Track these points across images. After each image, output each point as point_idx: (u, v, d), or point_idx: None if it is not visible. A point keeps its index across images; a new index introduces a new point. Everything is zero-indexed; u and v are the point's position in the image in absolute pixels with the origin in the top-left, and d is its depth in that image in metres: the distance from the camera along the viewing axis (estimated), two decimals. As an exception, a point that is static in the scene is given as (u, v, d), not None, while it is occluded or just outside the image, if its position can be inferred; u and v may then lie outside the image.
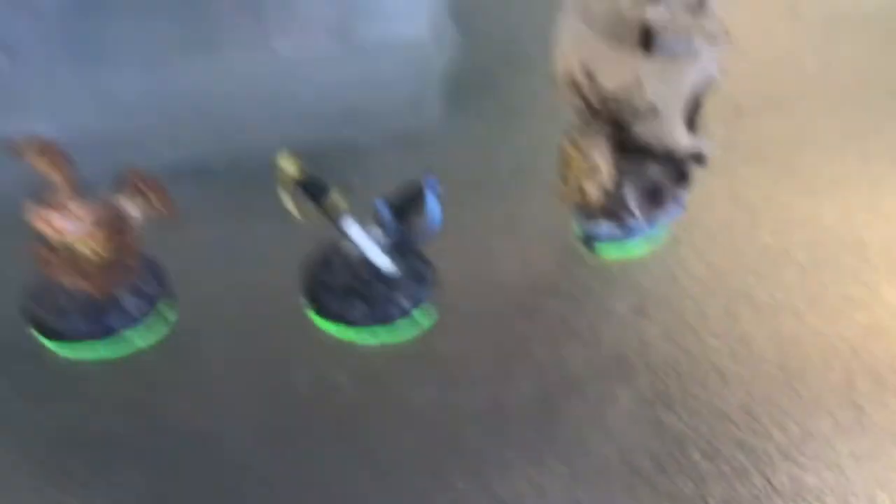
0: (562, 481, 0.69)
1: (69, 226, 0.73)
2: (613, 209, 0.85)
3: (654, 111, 0.77)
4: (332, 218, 0.78)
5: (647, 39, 0.77)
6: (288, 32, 1.29)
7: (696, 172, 0.88)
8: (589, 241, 0.88)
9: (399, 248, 0.81)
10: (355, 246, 0.80)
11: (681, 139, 0.80)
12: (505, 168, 1.00)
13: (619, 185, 0.83)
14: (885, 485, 0.69)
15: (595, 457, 0.71)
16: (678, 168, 0.85)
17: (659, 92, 0.76)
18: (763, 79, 1.15)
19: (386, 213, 0.79)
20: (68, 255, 0.75)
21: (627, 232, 0.87)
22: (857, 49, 1.22)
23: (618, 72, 0.77)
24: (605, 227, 0.86)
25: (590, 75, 0.78)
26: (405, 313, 0.79)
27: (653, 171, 0.84)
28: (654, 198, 0.85)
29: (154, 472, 0.69)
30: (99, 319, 0.76)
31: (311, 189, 0.77)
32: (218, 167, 0.98)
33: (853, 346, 0.80)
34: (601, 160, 0.79)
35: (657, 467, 0.70)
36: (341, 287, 0.80)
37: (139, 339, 0.78)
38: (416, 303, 0.80)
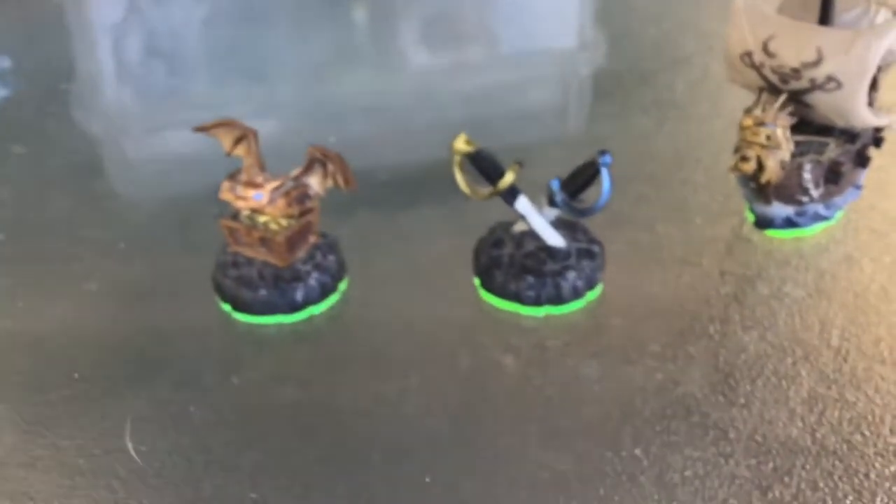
0: (746, 459, 0.67)
1: (253, 194, 0.77)
2: (789, 190, 0.83)
3: (836, 83, 0.75)
4: (505, 195, 0.80)
5: (826, 11, 0.76)
6: (440, 42, 1.34)
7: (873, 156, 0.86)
8: (762, 223, 0.86)
9: (571, 226, 0.82)
10: (527, 223, 0.81)
11: (865, 115, 0.78)
12: (670, 158, 0.99)
13: (796, 165, 0.81)
14: None
15: (781, 437, 0.69)
16: (857, 149, 0.83)
17: (841, 64, 0.75)
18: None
19: (559, 192, 0.79)
20: (252, 227, 0.79)
21: (802, 214, 0.85)
22: None
23: (798, 46, 0.76)
24: (779, 209, 0.85)
25: (769, 52, 0.78)
26: (576, 290, 0.80)
27: (831, 151, 0.82)
28: (832, 179, 0.83)
29: (333, 437, 0.71)
30: (285, 294, 0.79)
31: (484, 165, 0.79)
32: (383, 167, 1.01)
33: None
34: (783, 136, 0.77)
35: (847, 444, 0.68)
36: (513, 264, 0.81)
37: (316, 307, 0.81)
38: (587, 280, 0.80)
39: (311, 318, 0.80)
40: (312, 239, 0.82)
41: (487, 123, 1.08)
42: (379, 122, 1.12)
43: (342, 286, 0.83)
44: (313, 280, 0.80)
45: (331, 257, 0.82)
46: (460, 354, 0.77)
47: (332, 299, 0.82)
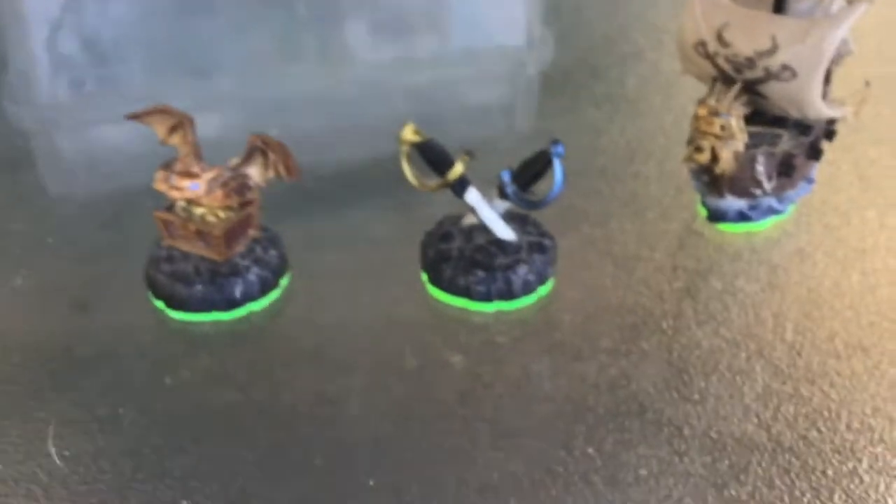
0: (701, 456, 0.65)
1: (188, 184, 0.73)
2: (742, 183, 0.82)
3: (791, 72, 0.74)
4: (454, 187, 0.77)
5: (781, 0, 0.75)
6: (390, 38, 1.31)
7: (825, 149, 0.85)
8: (715, 217, 0.84)
9: (522, 219, 0.80)
10: (477, 216, 0.78)
11: (819, 105, 0.76)
12: (621, 152, 0.97)
13: (750, 156, 0.80)
14: None
15: (736, 434, 0.67)
16: (810, 141, 0.82)
17: (796, 53, 0.74)
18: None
19: (510, 183, 0.77)
20: (188, 219, 0.75)
21: (755, 208, 0.84)
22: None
23: (753, 35, 0.75)
24: (732, 202, 0.83)
25: (723, 41, 0.76)
26: (528, 285, 0.77)
27: (784, 143, 0.81)
28: (785, 171, 0.82)
29: (272, 440, 0.67)
30: (223, 290, 0.76)
31: (433, 155, 0.76)
32: (329, 161, 0.98)
33: None
34: (737, 126, 0.76)
35: (803, 441, 0.66)
36: (462, 259, 0.78)
37: (255, 304, 0.77)
38: (538, 275, 0.78)
39: (250, 316, 0.77)
40: (252, 232, 0.78)
41: (436, 118, 1.05)
42: (324, 116, 1.09)
43: (284, 282, 0.79)
44: (253, 275, 0.77)
45: (272, 252, 0.79)
46: (407, 352, 0.74)
47: (273, 296, 0.78)
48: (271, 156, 0.76)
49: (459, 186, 0.77)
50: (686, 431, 0.67)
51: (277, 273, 0.79)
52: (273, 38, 1.30)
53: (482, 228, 0.79)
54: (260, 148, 0.76)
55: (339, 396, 0.70)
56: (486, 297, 0.77)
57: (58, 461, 0.64)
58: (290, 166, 0.75)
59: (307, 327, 0.76)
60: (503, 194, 0.78)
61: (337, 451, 0.66)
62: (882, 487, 0.63)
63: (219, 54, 1.25)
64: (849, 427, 0.67)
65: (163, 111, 0.74)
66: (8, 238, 0.86)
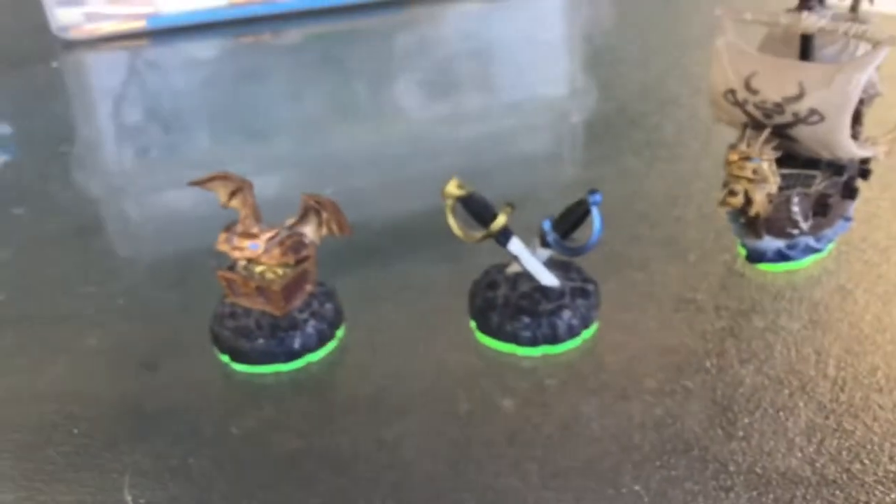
0: (746, 492, 0.67)
1: (249, 244, 0.78)
2: (779, 223, 0.84)
3: (819, 116, 0.76)
4: (498, 237, 0.81)
5: (806, 47, 0.78)
6: (438, 95, 1.36)
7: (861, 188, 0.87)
8: (754, 257, 0.87)
9: (565, 266, 0.83)
10: (521, 265, 0.82)
11: (849, 146, 0.79)
12: (661, 197, 1.00)
13: (785, 199, 0.82)
14: None
15: (780, 468, 0.69)
16: (844, 181, 0.84)
17: (823, 98, 0.76)
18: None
19: (551, 231, 0.80)
20: (249, 277, 0.80)
21: (794, 247, 0.86)
22: None
23: (780, 81, 0.77)
24: (770, 242, 0.85)
25: (752, 89, 0.79)
26: (572, 329, 0.80)
27: (818, 183, 0.83)
28: (821, 211, 0.84)
29: (333, 484, 0.71)
30: (283, 343, 0.80)
31: (476, 208, 0.80)
32: (380, 216, 1.02)
33: None
34: (769, 169, 0.78)
35: (847, 474, 0.67)
36: (508, 305, 0.81)
37: (313, 355, 0.81)
38: (583, 319, 0.81)
39: (308, 366, 0.81)
40: (309, 287, 0.82)
41: (481, 170, 1.09)
42: (375, 173, 1.14)
43: (339, 333, 0.83)
44: (310, 328, 0.81)
45: (328, 305, 0.83)
46: (458, 397, 0.77)
47: (330, 346, 0.82)
48: (324, 214, 0.80)
49: (503, 237, 0.80)
50: (731, 467, 0.69)
51: (333, 325, 0.83)
52: (326, 100, 1.36)
53: (527, 276, 0.82)
54: (313, 207, 0.80)
55: (396, 441, 0.73)
56: (533, 342, 0.80)
57: (134, 509, 0.69)
58: (342, 223, 0.80)
59: (363, 375, 0.80)
60: (545, 242, 0.81)
61: (395, 493, 0.69)
62: (927, 517, 0.64)
63: (274, 118, 1.31)
64: (892, 459, 0.68)
65: (224, 177, 0.80)
66: (81, 300, 0.92)
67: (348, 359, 0.82)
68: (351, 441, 0.74)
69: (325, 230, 0.81)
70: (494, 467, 0.70)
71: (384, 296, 0.89)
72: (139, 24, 1.51)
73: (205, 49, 1.52)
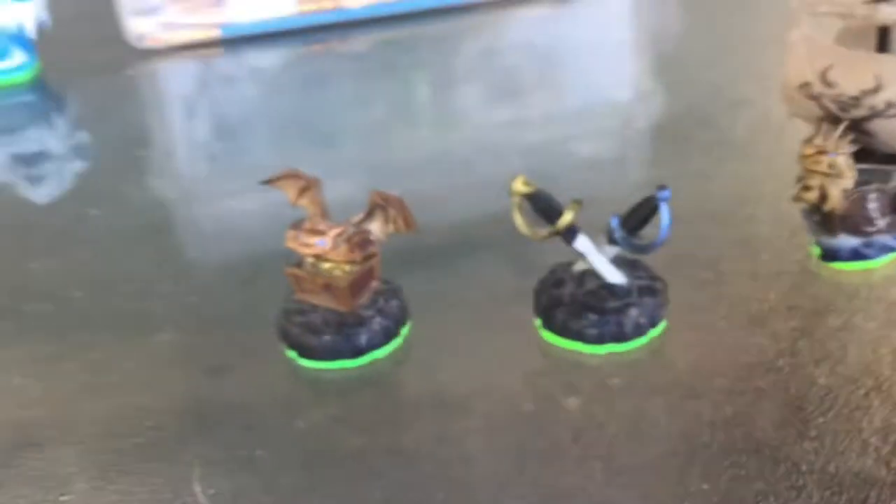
0: (819, 491, 0.65)
1: (316, 241, 0.79)
2: (854, 221, 0.82)
3: (896, 110, 0.75)
4: (564, 235, 0.80)
5: (883, 39, 0.76)
6: (504, 100, 1.36)
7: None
8: (828, 256, 0.85)
9: (632, 264, 0.82)
10: (587, 262, 0.81)
11: (928, 140, 0.77)
12: (731, 196, 0.99)
13: (861, 195, 0.80)
14: None
15: (854, 468, 0.67)
16: (923, 177, 0.82)
17: (901, 90, 0.74)
18: None
19: (618, 229, 0.80)
20: (316, 273, 0.81)
21: (870, 245, 0.83)
22: None
23: (857, 74, 0.76)
24: (845, 240, 0.83)
25: (828, 82, 0.77)
26: (639, 327, 0.79)
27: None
28: (898, 208, 0.82)
29: (397, 479, 0.71)
30: (349, 339, 0.80)
31: (543, 205, 0.80)
32: (446, 217, 1.02)
33: None
34: (845, 163, 0.77)
35: (927, 476, 0.65)
36: (574, 303, 0.80)
37: (379, 352, 0.81)
38: (650, 317, 0.80)
39: (374, 363, 0.81)
40: (375, 284, 0.83)
41: (548, 173, 1.08)
42: (441, 176, 1.14)
43: (405, 330, 0.84)
44: (376, 325, 0.81)
45: (393, 302, 0.83)
46: (523, 394, 0.77)
47: (395, 343, 0.82)
48: (391, 211, 0.81)
49: (569, 234, 0.80)
50: (804, 467, 0.67)
51: (399, 322, 0.83)
52: (392, 105, 1.37)
53: (593, 274, 0.81)
54: (380, 204, 0.81)
55: (459, 437, 0.73)
56: (599, 340, 0.79)
57: (203, 500, 0.69)
58: (409, 220, 0.80)
59: (428, 373, 0.80)
60: (612, 240, 0.80)
61: (458, 489, 0.69)
62: None
63: (341, 124, 1.33)
64: (975, 462, 0.66)
65: (293, 175, 0.81)
66: (154, 298, 0.94)
67: (413, 356, 0.83)
68: (414, 437, 0.74)
69: (391, 227, 0.81)
70: (558, 465, 0.70)
71: (449, 294, 0.89)
72: (214, 33, 1.54)
73: (274, 57, 1.55)
